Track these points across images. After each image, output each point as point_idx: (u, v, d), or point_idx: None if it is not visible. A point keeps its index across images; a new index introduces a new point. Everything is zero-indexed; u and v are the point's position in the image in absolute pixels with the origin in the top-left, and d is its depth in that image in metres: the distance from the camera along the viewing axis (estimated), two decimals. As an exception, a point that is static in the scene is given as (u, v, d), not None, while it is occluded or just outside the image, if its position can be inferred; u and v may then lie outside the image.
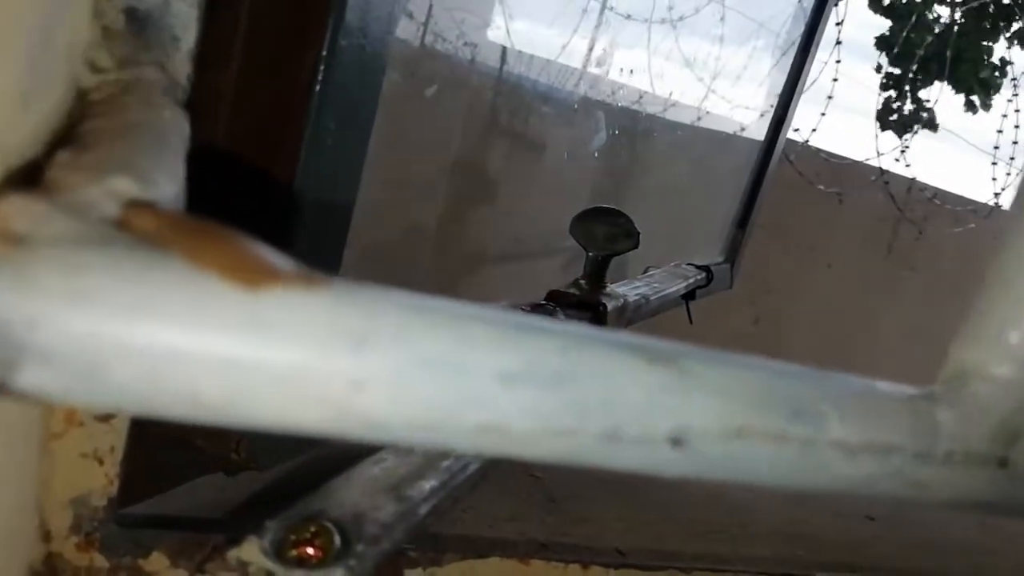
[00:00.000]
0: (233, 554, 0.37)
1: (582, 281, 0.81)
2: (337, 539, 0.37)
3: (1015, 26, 4.03)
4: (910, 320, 3.56)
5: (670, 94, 1.67)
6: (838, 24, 3.00)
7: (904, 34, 4.00)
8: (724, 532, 0.68)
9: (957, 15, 4.07)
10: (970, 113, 4.24)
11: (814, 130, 3.20)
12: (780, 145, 1.69)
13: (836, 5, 1.84)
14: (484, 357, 0.20)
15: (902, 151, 3.53)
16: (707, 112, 1.79)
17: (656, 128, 1.67)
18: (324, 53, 0.46)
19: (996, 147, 3.54)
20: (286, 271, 0.20)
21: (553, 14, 1.34)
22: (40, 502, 0.36)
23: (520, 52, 1.21)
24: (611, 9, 1.45)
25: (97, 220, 0.20)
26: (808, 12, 1.68)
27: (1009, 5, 4.01)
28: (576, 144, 1.44)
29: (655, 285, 1.02)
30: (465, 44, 1.05)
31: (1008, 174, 3.56)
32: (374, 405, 0.20)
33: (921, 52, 3.97)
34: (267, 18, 0.47)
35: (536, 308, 0.73)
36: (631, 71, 1.56)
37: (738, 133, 1.83)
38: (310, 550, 0.37)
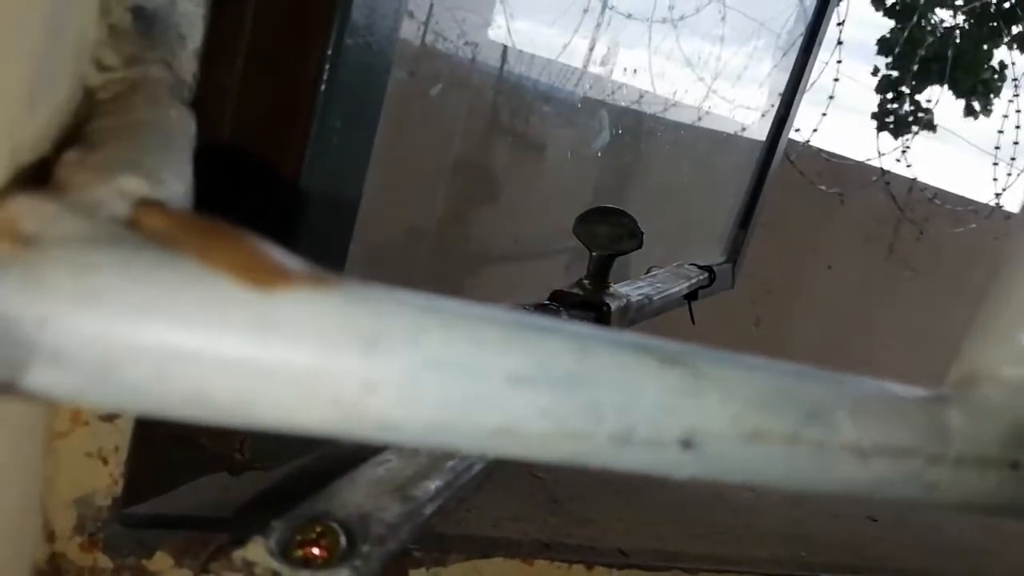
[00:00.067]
0: (239, 554, 0.37)
1: (586, 281, 0.81)
2: (343, 540, 0.37)
3: (1015, 29, 4.03)
4: (911, 320, 3.57)
5: (673, 93, 1.66)
6: (839, 24, 3.00)
7: (906, 34, 4.00)
8: (727, 533, 0.68)
9: (959, 19, 4.07)
10: (970, 118, 4.24)
11: (815, 130, 3.21)
12: (782, 145, 1.69)
13: (838, 5, 1.83)
14: (497, 359, 0.20)
15: (903, 151, 3.53)
16: (708, 112, 1.79)
17: (657, 128, 1.67)
18: (330, 52, 0.46)
19: (997, 147, 3.54)
20: (297, 271, 0.20)
21: (554, 13, 1.34)
22: (44, 502, 0.35)
23: (521, 51, 1.21)
24: (612, 8, 1.45)
25: (106, 219, 0.20)
26: (810, 12, 1.68)
27: (1010, 10, 4.01)
28: (577, 144, 1.44)
29: (658, 285, 1.02)
30: (466, 43, 1.05)
31: (1009, 174, 3.57)
32: (386, 406, 0.19)
33: (923, 52, 3.97)
34: (273, 17, 0.47)
35: (540, 308, 0.73)
36: (635, 70, 1.56)
37: (739, 133, 1.83)
38: (316, 550, 0.37)
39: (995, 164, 3.58)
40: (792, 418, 0.24)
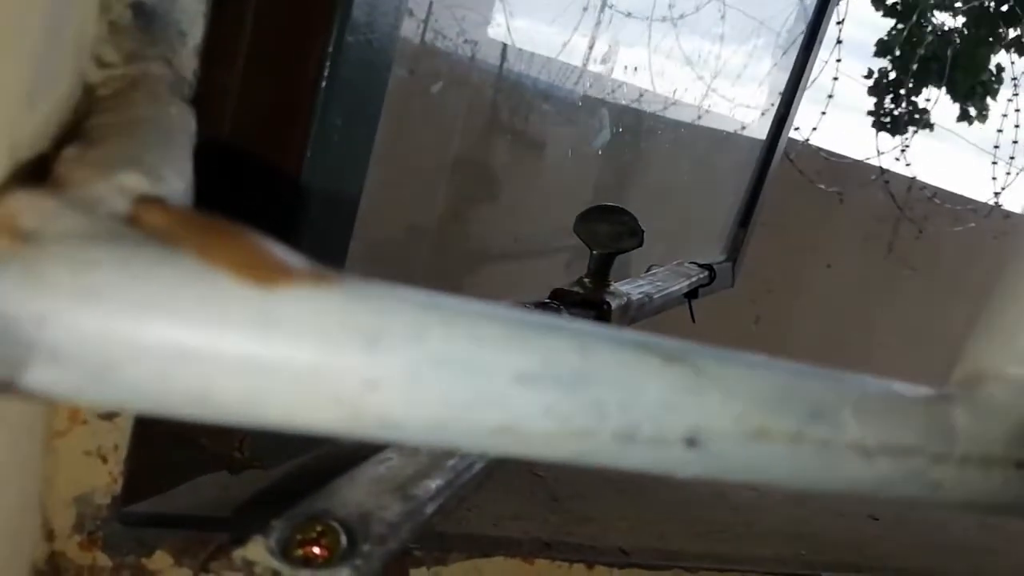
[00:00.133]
0: (239, 553, 0.37)
1: (586, 279, 0.81)
2: (343, 539, 0.37)
3: (1011, 33, 4.03)
4: (910, 319, 3.57)
5: (673, 92, 1.66)
6: (839, 23, 3.00)
7: (906, 33, 4.00)
8: (728, 531, 0.68)
9: (959, 21, 4.06)
10: (965, 123, 4.23)
11: (815, 129, 3.21)
12: (782, 144, 1.69)
13: (838, 4, 1.83)
14: (500, 356, 0.20)
15: (902, 151, 3.53)
16: (707, 111, 1.79)
17: (657, 126, 1.67)
18: (330, 49, 0.46)
19: (996, 146, 3.54)
20: (298, 268, 0.19)
21: (553, 12, 1.34)
22: (43, 500, 0.35)
23: (521, 50, 1.21)
24: (611, 7, 1.45)
25: (106, 216, 0.20)
26: (810, 11, 1.68)
27: (1009, 12, 4.00)
28: (577, 142, 1.44)
29: (658, 283, 1.02)
30: (465, 41, 1.05)
31: (1008, 174, 3.57)
32: (388, 404, 0.19)
33: (922, 51, 3.97)
34: (274, 14, 0.46)
35: (540, 307, 0.73)
36: (635, 68, 1.56)
37: (739, 132, 1.83)
38: (316, 550, 0.36)
39: (994, 163, 3.58)
40: (796, 417, 0.23)
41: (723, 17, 1.72)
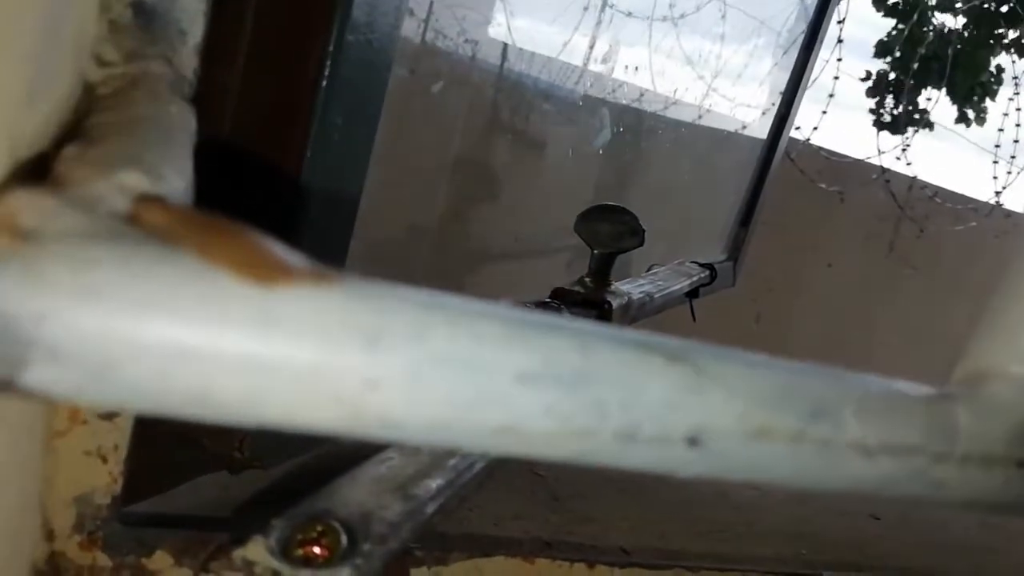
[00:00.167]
0: (239, 553, 0.37)
1: (587, 279, 0.81)
2: (344, 538, 0.37)
3: (1012, 35, 4.03)
4: (911, 318, 3.57)
5: (674, 91, 1.66)
6: (839, 22, 3.00)
7: (907, 32, 3.99)
8: (729, 531, 0.68)
9: (960, 22, 4.06)
10: (963, 125, 4.23)
11: (815, 128, 3.20)
12: (783, 143, 1.69)
13: (839, 3, 1.83)
14: (501, 356, 0.20)
15: (903, 150, 3.53)
16: (708, 110, 1.79)
17: (658, 126, 1.67)
18: (331, 48, 0.46)
19: (997, 146, 3.54)
20: (298, 267, 0.19)
21: (554, 11, 1.34)
22: (43, 500, 0.35)
23: (521, 49, 1.21)
24: (612, 7, 1.45)
25: (106, 215, 0.20)
26: (810, 10, 1.68)
27: (1009, 13, 4.00)
28: (578, 142, 1.44)
29: (659, 283, 1.02)
30: (466, 41, 1.05)
31: (1009, 173, 3.57)
32: (389, 404, 0.19)
33: (923, 50, 3.96)
34: (274, 13, 0.46)
35: (541, 306, 0.73)
36: (636, 68, 1.56)
37: (740, 131, 1.82)
38: (316, 549, 0.36)
39: (995, 162, 3.58)
40: (798, 416, 0.23)
41: (724, 17, 1.72)
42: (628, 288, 0.88)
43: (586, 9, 1.40)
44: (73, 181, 0.21)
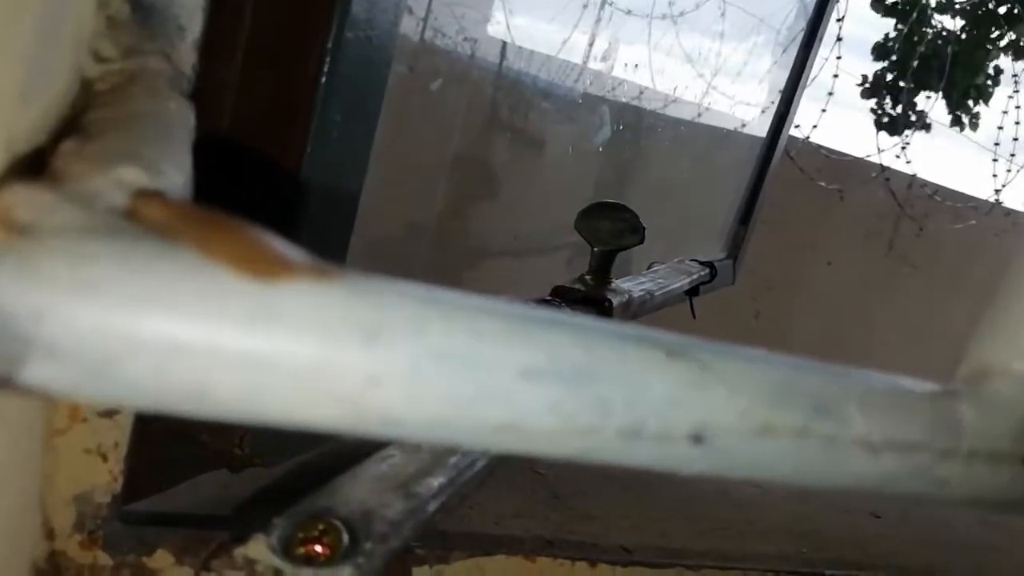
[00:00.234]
0: (240, 552, 0.36)
1: (587, 277, 0.81)
2: (345, 537, 0.37)
3: (1011, 36, 4.03)
4: (910, 316, 3.57)
5: (674, 89, 1.66)
6: (839, 20, 2.99)
7: (906, 32, 3.99)
8: (730, 528, 0.68)
9: (958, 24, 4.06)
10: (957, 129, 4.23)
11: (815, 126, 3.20)
12: (782, 141, 1.68)
13: (838, 1, 1.83)
14: (504, 352, 0.19)
15: (903, 148, 3.53)
16: (708, 108, 1.79)
17: (658, 124, 1.67)
18: (330, 45, 0.46)
19: (997, 144, 3.54)
20: (299, 263, 0.19)
21: (553, 10, 1.33)
22: (43, 499, 0.35)
23: (520, 48, 1.20)
24: (611, 4, 1.44)
25: (104, 210, 0.20)
26: (810, 8, 1.68)
27: (1008, 14, 3.99)
28: (578, 139, 1.44)
29: (659, 281, 1.02)
30: (465, 39, 1.05)
31: (1008, 171, 3.57)
32: (389, 400, 0.19)
33: (923, 49, 3.96)
34: (273, 9, 0.46)
35: (541, 304, 0.73)
36: (636, 66, 1.56)
37: (739, 129, 1.82)
38: (318, 548, 0.36)
39: (995, 160, 3.58)
40: (802, 412, 0.23)
41: (723, 14, 1.72)
42: (629, 286, 0.88)
43: (585, 7, 1.40)
44: (71, 176, 0.21)
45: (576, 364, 0.20)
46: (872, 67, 4.19)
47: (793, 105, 1.67)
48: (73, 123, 0.25)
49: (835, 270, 3.48)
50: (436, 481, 0.43)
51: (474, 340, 0.19)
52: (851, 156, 3.41)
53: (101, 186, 0.20)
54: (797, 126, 3.02)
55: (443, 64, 1.01)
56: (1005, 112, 3.51)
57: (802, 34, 1.67)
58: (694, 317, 1.17)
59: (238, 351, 0.18)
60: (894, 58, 4.11)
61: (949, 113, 4.19)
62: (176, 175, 0.24)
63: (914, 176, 3.50)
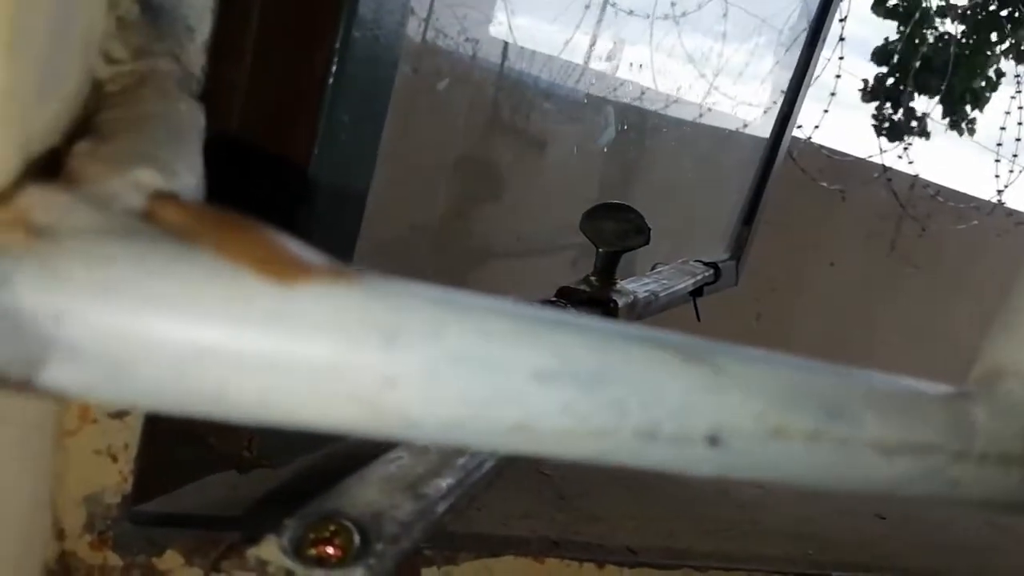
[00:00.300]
0: (252, 552, 0.36)
1: (592, 278, 0.81)
2: (356, 538, 0.37)
3: (1011, 41, 4.02)
4: (912, 317, 3.56)
5: (676, 90, 1.66)
6: (841, 20, 2.99)
7: (907, 33, 3.99)
8: (734, 529, 0.68)
9: (958, 29, 4.06)
10: (955, 133, 4.22)
11: (817, 127, 3.20)
12: (785, 142, 1.68)
13: (840, 1, 1.83)
14: (520, 354, 0.19)
15: (905, 148, 3.52)
16: (710, 109, 1.79)
17: (661, 125, 1.67)
18: (337, 45, 0.46)
19: (999, 144, 3.54)
20: (316, 265, 0.19)
21: (555, 10, 1.33)
22: (54, 500, 0.35)
23: (522, 48, 1.20)
24: (613, 5, 1.44)
25: (121, 211, 0.20)
26: (812, 8, 1.68)
27: (1009, 17, 3.99)
28: (581, 140, 1.43)
29: (664, 282, 1.02)
30: (467, 40, 1.05)
31: (1011, 171, 3.56)
32: (406, 402, 0.19)
33: (925, 49, 3.96)
34: (281, 10, 0.46)
35: (547, 305, 0.73)
36: (640, 66, 1.56)
37: (741, 130, 1.82)
38: (330, 549, 0.36)
39: (997, 161, 3.58)
40: (815, 415, 0.23)
41: (725, 15, 1.72)
42: (633, 287, 0.88)
43: (587, 7, 1.40)
44: (87, 178, 0.21)
45: (590, 366, 0.20)
46: (872, 70, 4.19)
47: (796, 105, 1.67)
48: (85, 124, 0.25)
49: (837, 271, 3.47)
50: (444, 482, 0.43)
51: (491, 342, 0.19)
52: (853, 156, 3.41)
53: (118, 188, 0.20)
54: (799, 126, 3.02)
55: (445, 65, 1.01)
56: (1007, 112, 3.51)
57: (804, 34, 1.67)
58: (699, 319, 1.17)
59: (257, 353, 0.18)
60: (895, 60, 4.10)
61: (944, 117, 4.19)
62: (189, 176, 0.24)
63: (916, 176, 3.50)
